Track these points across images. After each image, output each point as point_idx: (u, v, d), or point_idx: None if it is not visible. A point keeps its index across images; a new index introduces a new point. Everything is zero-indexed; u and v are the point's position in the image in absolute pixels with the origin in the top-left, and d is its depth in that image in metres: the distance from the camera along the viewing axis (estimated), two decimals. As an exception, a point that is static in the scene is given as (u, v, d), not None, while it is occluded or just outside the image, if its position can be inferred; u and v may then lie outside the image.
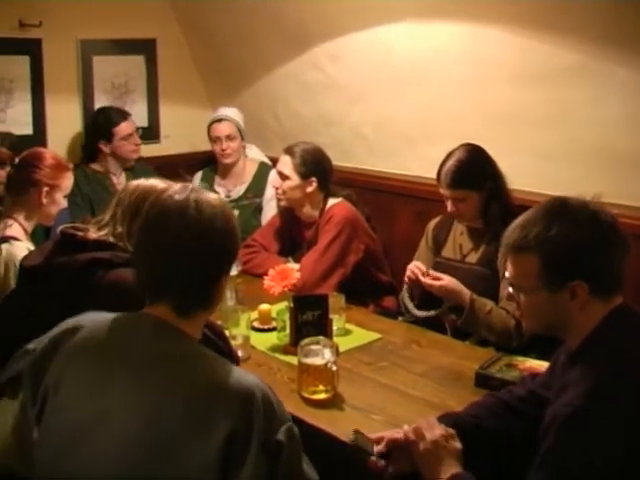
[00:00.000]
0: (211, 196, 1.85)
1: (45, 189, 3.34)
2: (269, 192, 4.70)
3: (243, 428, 1.60)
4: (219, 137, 4.73)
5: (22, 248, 3.18)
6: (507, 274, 2.04)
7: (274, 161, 4.50)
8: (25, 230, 3.36)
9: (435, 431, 2.03)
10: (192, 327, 1.81)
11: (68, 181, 3.46)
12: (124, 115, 4.72)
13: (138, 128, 4.75)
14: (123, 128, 4.66)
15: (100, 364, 1.74)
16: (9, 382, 1.89)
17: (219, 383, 1.67)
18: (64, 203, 3.47)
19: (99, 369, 1.73)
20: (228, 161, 4.77)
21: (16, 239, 3.26)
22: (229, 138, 4.72)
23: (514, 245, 1.96)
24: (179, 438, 1.59)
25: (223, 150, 4.72)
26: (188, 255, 1.76)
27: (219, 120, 4.76)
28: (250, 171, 4.87)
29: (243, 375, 1.73)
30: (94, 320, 1.85)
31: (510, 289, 2.05)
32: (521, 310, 2.05)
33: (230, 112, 4.81)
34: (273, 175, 4.69)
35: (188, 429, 1.60)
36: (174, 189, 1.84)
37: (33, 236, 3.48)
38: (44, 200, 3.35)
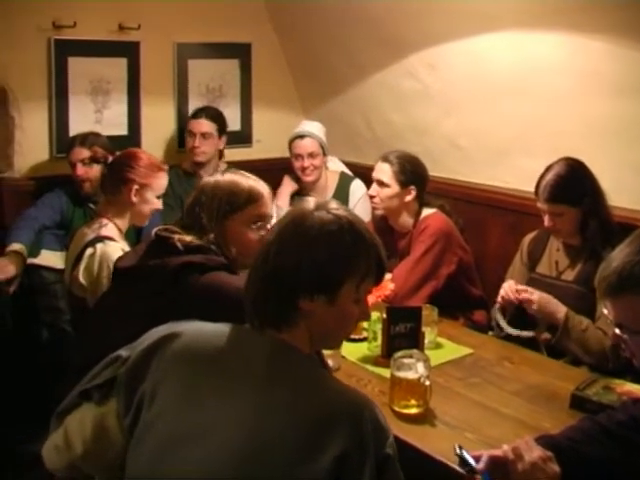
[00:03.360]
0: (327, 216, 1.79)
1: (135, 187, 3.35)
2: (352, 202, 4.68)
3: (355, 448, 1.56)
4: (301, 154, 4.65)
5: (116, 248, 3.21)
6: (608, 314, 1.95)
7: (365, 168, 4.49)
8: (120, 230, 3.40)
9: (533, 453, 1.98)
10: (294, 338, 1.78)
11: (161, 181, 3.47)
12: (200, 113, 4.76)
13: (206, 133, 4.70)
14: (191, 123, 4.74)
15: (206, 375, 1.71)
16: (97, 387, 1.88)
17: (330, 403, 1.64)
18: (158, 204, 3.48)
19: (204, 380, 1.70)
20: (309, 179, 4.70)
21: (111, 239, 3.29)
22: (311, 156, 4.64)
23: (616, 287, 1.84)
24: (288, 460, 1.55)
25: (304, 168, 4.65)
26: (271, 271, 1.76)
27: (301, 136, 4.67)
28: (332, 183, 4.83)
29: (349, 391, 1.71)
30: (195, 329, 1.84)
31: (617, 330, 1.95)
32: (631, 350, 1.95)
33: (313, 127, 4.73)
34: (355, 187, 4.70)
35: (298, 451, 1.56)
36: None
37: (126, 237, 3.51)
38: (134, 198, 3.37)
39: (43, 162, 4.54)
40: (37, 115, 4.47)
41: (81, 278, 3.23)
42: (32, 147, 4.49)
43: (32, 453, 2.08)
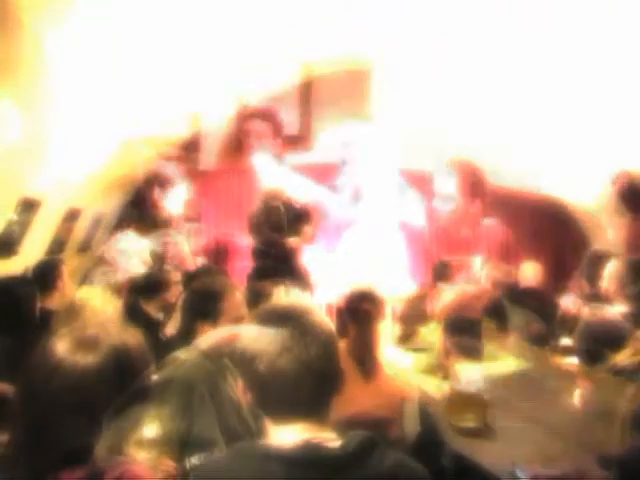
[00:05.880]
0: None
1: None
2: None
3: None
4: None
5: None
6: None
7: (422, 176, 4.46)
8: None
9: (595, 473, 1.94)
10: None
11: None
12: (257, 114, 4.82)
13: (258, 132, 4.77)
14: (245, 124, 4.83)
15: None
16: (153, 387, 1.88)
17: None
18: None
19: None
20: None
21: None
22: None
23: None
24: None
25: None
26: None
27: None
28: None
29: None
30: (251, 333, 1.83)
31: None
32: None
33: None
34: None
35: None
36: None
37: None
38: None
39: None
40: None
41: None
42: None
43: (85, 449, 2.08)
